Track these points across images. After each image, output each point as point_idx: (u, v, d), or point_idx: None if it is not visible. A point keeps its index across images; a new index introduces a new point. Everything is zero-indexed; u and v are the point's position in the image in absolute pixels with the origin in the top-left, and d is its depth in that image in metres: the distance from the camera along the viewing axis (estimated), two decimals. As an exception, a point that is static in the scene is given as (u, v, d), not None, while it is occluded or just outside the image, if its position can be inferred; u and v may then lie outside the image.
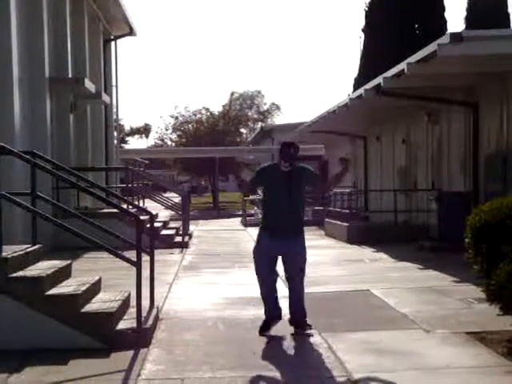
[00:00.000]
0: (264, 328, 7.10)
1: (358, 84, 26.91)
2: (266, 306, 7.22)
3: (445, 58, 11.38)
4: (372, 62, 27.42)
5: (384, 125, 21.40)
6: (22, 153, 8.12)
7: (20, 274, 6.82)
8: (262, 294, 7.27)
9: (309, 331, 7.09)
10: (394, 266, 12.58)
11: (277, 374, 5.79)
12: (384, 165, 22.01)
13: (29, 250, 7.53)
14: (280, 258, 7.14)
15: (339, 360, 6.12)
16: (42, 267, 7.29)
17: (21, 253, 7.21)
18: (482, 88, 14.42)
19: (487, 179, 14.20)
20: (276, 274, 7.27)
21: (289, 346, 6.74)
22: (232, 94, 55.52)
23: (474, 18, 28.66)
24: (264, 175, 7.22)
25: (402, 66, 12.69)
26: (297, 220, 7.08)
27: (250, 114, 60.52)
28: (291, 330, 7.16)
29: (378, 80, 14.46)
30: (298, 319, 7.15)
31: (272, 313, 7.18)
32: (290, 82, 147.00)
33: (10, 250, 7.03)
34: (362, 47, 31.44)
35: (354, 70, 63.79)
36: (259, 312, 8.19)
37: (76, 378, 5.65)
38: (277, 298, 7.26)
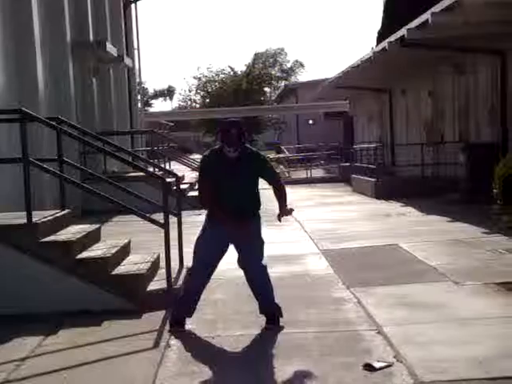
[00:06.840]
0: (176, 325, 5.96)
1: (381, 37, 26.42)
2: (186, 304, 5.97)
3: (470, 6, 11.13)
4: (395, 13, 26.89)
5: (409, 78, 21.08)
6: (47, 119, 8.18)
7: (51, 238, 6.91)
8: (188, 288, 6.10)
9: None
10: (422, 220, 12.52)
11: (306, 330, 5.82)
12: (410, 118, 21.75)
13: (58, 215, 7.63)
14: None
15: (369, 314, 6.13)
16: (72, 231, 7.38)
17: (50, 218, 7.29)
18: (508, 35, 14.08)
19: (516, 129, 13.96)
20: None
21: (317, 301, 6.76)
22: (255, 54, 55.11)
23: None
24: (209, 165, 5.81)
25: (426, 16, 12.44)
26: (249, 206, 5.84)
27: (273, 72, 60.01)
28: (317, 288, 7.14)
29: (402, 32, 14.20)
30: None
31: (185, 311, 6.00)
32: (313, 39, 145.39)
33: (40, 216, 7.12)
34: (384, -1, 30.82)
35: (377, 23, 62.74)
36: (288, 269, 8.27)
37: (110, 339, 5.75)
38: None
